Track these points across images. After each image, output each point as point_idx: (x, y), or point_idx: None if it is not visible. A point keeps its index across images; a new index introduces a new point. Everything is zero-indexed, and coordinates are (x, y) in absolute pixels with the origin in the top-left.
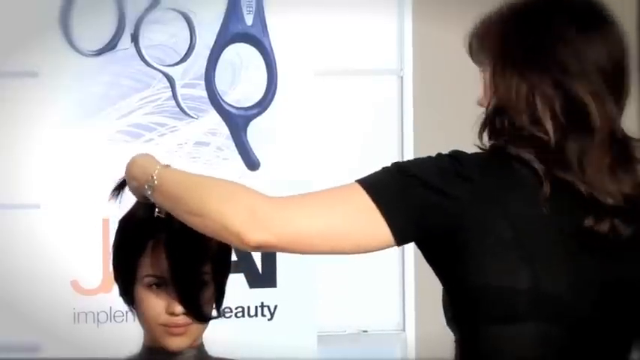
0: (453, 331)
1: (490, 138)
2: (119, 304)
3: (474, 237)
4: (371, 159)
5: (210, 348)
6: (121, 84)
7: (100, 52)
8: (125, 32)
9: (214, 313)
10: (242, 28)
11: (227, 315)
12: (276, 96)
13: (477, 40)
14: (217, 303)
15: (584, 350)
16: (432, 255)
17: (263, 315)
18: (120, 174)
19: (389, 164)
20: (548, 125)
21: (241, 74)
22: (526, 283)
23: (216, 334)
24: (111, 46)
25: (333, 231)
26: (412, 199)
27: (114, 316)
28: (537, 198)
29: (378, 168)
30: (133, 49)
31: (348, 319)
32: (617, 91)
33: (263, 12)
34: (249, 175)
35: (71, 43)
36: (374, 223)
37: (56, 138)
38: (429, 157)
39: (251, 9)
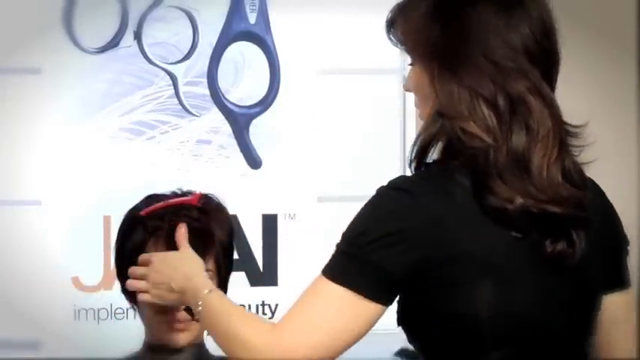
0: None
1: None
2: (120, 301)
3: (447, 263)
4: (373, 158)
5: (211, 346)
6: (124, 81)
7: (103, 50)
8: (128, 30)
9: None
10: (245, 27)
11: None
12: (278, 94)
13: (400, 31)
14: None
15: None
16: (412, 293)
17: (264, 313)
18: (121, 172)
19: (340, 240)
20: (496, 131)
21: (244, 73)
22: (494, 309)
23: None
24: (113, 43)
25: (338, 333)
26: (378, 261)
27: (114, 313)
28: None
29: (379, 166)
30: (135, 47)
31: None
32: (548, 69)
33: (266, 10)
34: (251, 173)
35: (74, 40)
36: (362, 309)
37: (58, 135)
38: (372, 206)
39: (254, 7)
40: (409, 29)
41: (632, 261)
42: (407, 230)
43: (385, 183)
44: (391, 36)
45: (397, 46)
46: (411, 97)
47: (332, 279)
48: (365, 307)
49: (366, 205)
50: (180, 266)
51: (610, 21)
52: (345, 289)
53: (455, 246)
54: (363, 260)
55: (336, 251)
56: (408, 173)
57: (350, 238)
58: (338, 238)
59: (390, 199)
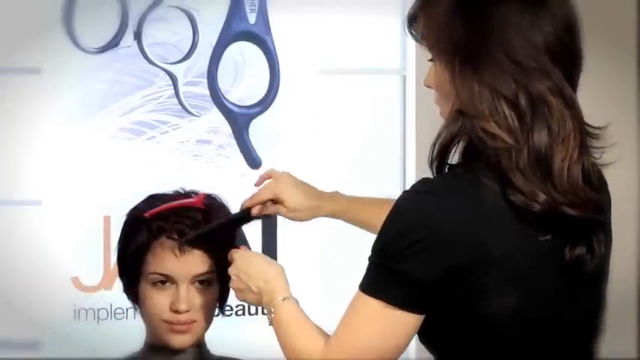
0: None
1: (442, 155)
2: (120, 301)
3: (476, 267)
4: (372, 157)
5: (212, 346)
6: (124, 81)
7: (103, 50)
8: (128, 30)
9: (216, 310)
10: (245, 27)
11: (228, 313)
12: (278, 94)
13: (422, 26)
14: (221, 301)
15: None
16: (445, 296)
17: (264, 313)
18: (121, 172)
19: (371, 254)
20: (517, 132)
21: (244, 73)
22: (519, 313)
23: (217, 332)
24: (114, 43)
25: (380, 345)
26: (407, 270)
27: (114, 313)
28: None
29: (379, 166)
30: (135, 47)
31: None
32: (570, 69)
33: (266, 10)
34: (250, 173)
35: (74, 40)
36: (397, 320)
37: (58, 135)
38: (397, 213)
39: (254, 7)
40: (431, 25)
41: (632, 261)
42: (434, 236)
43: (408, 187)
44: (412, 31)
45: (418, 42)
46: (411, 97)
47: (367, 293)
48: (399, 317)
49: (391, 211)
50: (259, 266)
51: (610, 21)
52: (378, 301)
53: (483, 250)
54: (392, 270)
55: (368, 263)
56: (408, 173)
57: (378, 249)
58: (337, 238)
59: (414, 204)
